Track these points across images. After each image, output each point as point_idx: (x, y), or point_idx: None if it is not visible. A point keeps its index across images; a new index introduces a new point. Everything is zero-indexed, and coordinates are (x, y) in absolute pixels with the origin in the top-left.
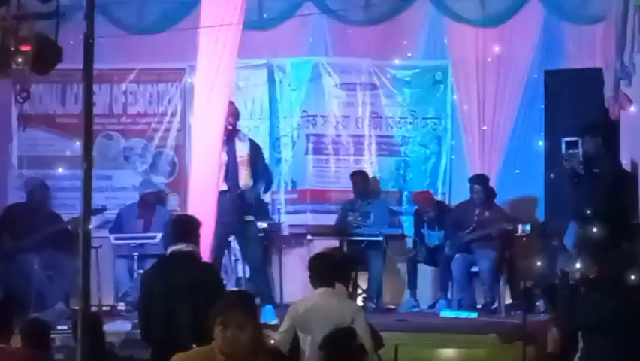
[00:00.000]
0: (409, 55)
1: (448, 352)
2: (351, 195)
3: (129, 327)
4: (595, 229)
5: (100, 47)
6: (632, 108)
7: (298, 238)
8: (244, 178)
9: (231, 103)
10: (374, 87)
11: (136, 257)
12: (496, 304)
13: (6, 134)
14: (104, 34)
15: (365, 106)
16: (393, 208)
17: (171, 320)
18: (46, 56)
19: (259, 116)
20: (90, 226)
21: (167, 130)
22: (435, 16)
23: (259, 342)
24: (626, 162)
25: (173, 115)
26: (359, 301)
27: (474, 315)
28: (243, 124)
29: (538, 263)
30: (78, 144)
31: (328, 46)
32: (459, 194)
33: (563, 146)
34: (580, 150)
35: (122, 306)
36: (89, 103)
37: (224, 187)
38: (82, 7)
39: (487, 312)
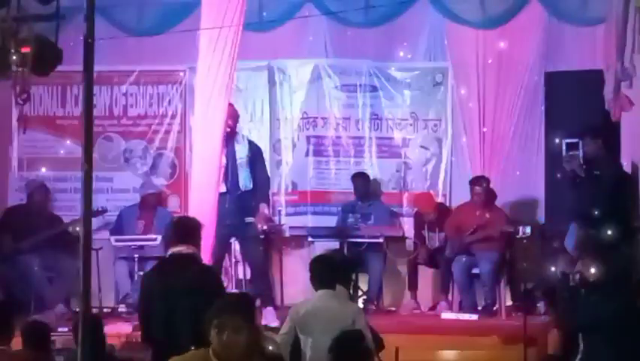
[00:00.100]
0: (409, 56)
1: (449, 354)
2: (352, 197)
3: (130, 329)
4: (595, 231)
5: (100, 48)
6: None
7: (299, 240)
8: (244, 180)
9: (230, 105)
10: (374, 89)
11: (136, 259)
12: (496, 306)
13: (6, 136)
14: (104, 36)
15: (365, 108)
16: (394, 210)
17: (171, 322)
18: (46, 58)
19: (259, 118)
20: (91, 228)
21: (167, 132)
22: (435, 18)
23: (256, 346)
24: (626, 164)
25: (173, 117)
26: (359, 303)
27: (475, 317)
28: (243, 126)
29: (539, 265)
30: (78, 145)
31: (328, 47)
32: (459, 196)
33: (564, 148)
34: (580, 152)
35: (122, 308)
36: (89, 105)
37: (224, 189)
38: (82, 8)
39: (487, 314)
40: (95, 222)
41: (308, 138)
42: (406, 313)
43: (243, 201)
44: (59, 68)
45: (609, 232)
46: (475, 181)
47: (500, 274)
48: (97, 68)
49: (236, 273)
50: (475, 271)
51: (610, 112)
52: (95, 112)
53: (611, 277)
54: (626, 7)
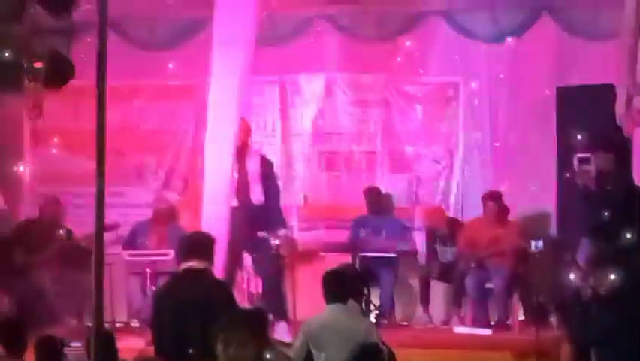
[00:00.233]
0: (421, 71)
1: None
2: (364, 212)
3: (142, 344)
4: (607, 246)
5: (113, 63)
6: None
7: (311, 254)
8: (256, 195)
9: (243, 120)
10: (386, 103)
11: (149, 274)
12: (509, 321)
13: (18, 151)
14: (116, 51)
15: (377, 122)
16: (406, 224)
17: (184, 337)
18: (59, 73)
19: (271, 133)
20: (103, 243)
21: (180, 147)
22: (447, 33)
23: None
24: (638, 179)
25: (185, 132)
26: (372, 318)
27: (487, 331)
28: (255, 141)
29: (552, 279)
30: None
31: (340, 62)
32: (471, 210)
33: (575, 162)
34: (592, 167)
35: (135, 323)
36: (101, 119)
37: (236, 204)
38: (94, 23)
39: (500, 328)
40: (108, 237)
41: (320, 152)
42: (419, 327)
43: (255, 216)
44: (72, 82)
45: (621, 246)
46: (487, 196)
47: (513, 288)
48: (110, 82)
49: (249, 287)
50: (488, 285)
51: (622, 126)
52: (108, 127)
53: (624, 291)
54: (638, 22)
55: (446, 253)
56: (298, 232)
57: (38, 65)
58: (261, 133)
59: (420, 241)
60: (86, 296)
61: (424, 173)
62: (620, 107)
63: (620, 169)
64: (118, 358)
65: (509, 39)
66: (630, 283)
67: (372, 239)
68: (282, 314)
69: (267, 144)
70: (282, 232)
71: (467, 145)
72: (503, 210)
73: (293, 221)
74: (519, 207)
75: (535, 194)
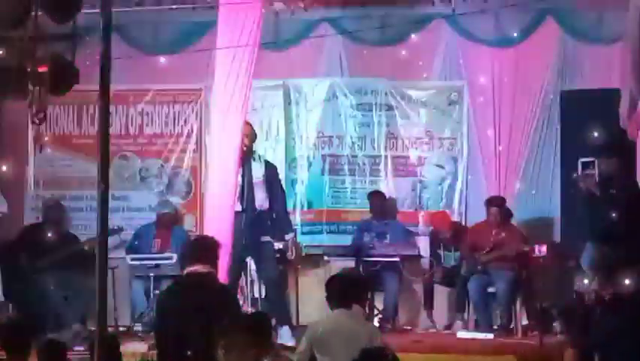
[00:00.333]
0: (425, 75)
1: None
2: (368, 216)
3: (145, 348)
4: (611, 250)
5: (116, 67)
6: None
7: (314, 259)
8: (260, 200)
9: (248, 124)
10: (390, 108)
11: (152, 278)
12: (512, 325)
13: (22, 155)
14: (120, 55)
15: (381, 126)
16: (410, 229)
17: (187, 342)
18: (62, 78)
19: (275, 137)
20: (107, 247)
21: (183, 151)
22: (451, 37)
23: None
24: None
25: (189, 136)
26: (375, 322)
27: (490, 336)
28: (258, 145)
29: (555, 284)
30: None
31: (344, 66)
32: (475, 214)
33: (580, 166)
34: (596, 171)
35: (138, 327)
36: (105, 124)
37: (240, 208)
38: (98, 28)
39: (503, 333)
40: (111, 241)
41: (324, 156)
42: (422, 332)
43: (259, 221)
44: (75, 87)
45: (625, 251)
46: (490, 201)
47: (516, 293)
48: (113, 87)
49: (252, 292)
50: (491, 290)
51: (626, 130)
52: (111, 131)
53: (627, 296)
54: None
55: (449, 258)
56: (301, 236)
57: (42, 69)
58: (264, 137)
59: (423, 245)
60: (89, 300)
61: (428, 177)
62: (623, 111)
63: (623, 173)
64: None
65: (513, 43)
66: (634, 287)
67: (376, 243)
68: (285, 319)
69: (271, 148)
70: (289, 235)
71: (471, 149)
72: (507, 215)
73: (296, 225)
74: (522, 212)
75: (538, 198)
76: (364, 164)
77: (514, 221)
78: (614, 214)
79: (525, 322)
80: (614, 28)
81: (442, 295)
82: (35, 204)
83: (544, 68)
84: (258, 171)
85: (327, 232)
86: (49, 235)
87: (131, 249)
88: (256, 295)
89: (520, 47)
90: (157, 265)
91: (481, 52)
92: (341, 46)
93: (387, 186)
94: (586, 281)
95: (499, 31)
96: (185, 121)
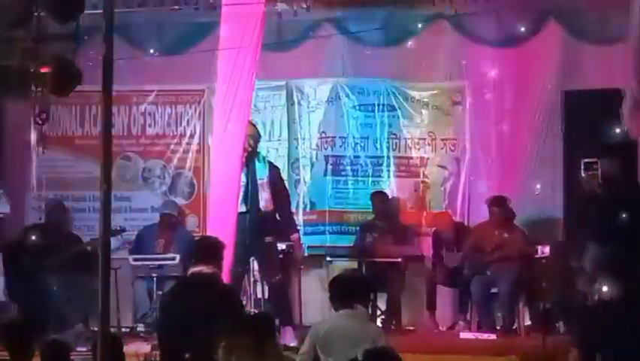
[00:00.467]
0: (428, 76)
1: None
2: (370, 217)
3: (148, 348)
4: (614, 251)
5: (119, 68)
6: None
7: (317, 259)
8: (264, 200)
9: (252, 124)
10: (392, 108)
11: (155, 278)
12: (515, 326)
13: (25, 156)
14: (122, 56)
15: (383, 127)
16: (412, 229)
17: (190, 342)
18: (65, 78)
19: (277, 138)
20: (109, 247)
21: (185, 151)
22: (453, 38)
23: None
24: None
25: (191, 136)
26: (378, 323)
27: (493, 336)
28: (261, 145)
29: (558, 284)
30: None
31: (346, 67)
32: (478, 215)
33: (582, 167)
34: (599, 171)
35: (141, 327)
36: (107, 124)
37: (244, 209)
38: (101, 28)
39: (506, 333)
40: (114, 241)
41: (326, 157)
42: (425, 332)
43: (262, 222)
44: (78, 87)
45: (628, 252)
46: (493, 201)
47: (519, 293)
48: (115, 87)
49: (255, 293)
50: (494, 290)
51: (629, 131)
52: (114, 132)
53: (630, 296)
54: None
55: (452, 258)
56: (304, 236)
57: (45, 70)
58: (267, 138)
59: (426, 246)
60: (92, 301)
61: (431, 178)
62: (626, 111)
63: (626, 174)
64: None
65: (515, 43)
66: (636, 288)
67: (379, 244)
68: (288, 319)
69: (273, 149)
70: (294, 236)
71: (473, 150)
72: (509, 215)
73: (299, 226)
74: (525, 212)
75: (541, 199)
76: (367, 165)
77: (516, 222)
78: (616, 215)
79: (528, 322)
80: (616, 28)
81: (444, 295)
82: (38, 204)
83: (546, 69)
84: (261, 172)
85: (330, 233)
86: (52, 235)
87: (135, 249)
88: (259, 295)
89: (523, 48)
90: (160, 266)
91: (483, 52)
92: (343, 46)
93: (390, 186)
94: (589, 281)
95: (502, 31)
96: (187, 122)
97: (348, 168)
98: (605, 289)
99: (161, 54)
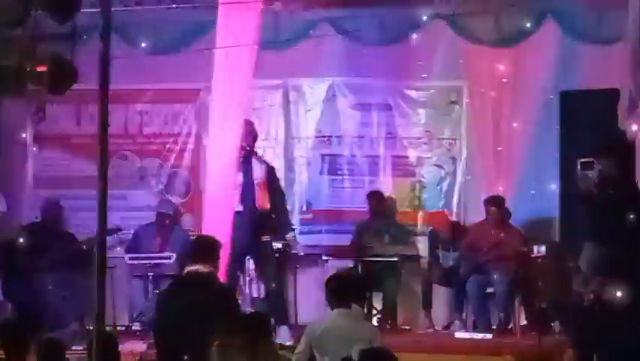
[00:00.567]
0: (424, 75)
1: None
2: (367, 216)
3: (144, 347)
4: (610, 251)
5: (115, 67)
6: None
7: (313, 259)
8: (260, 199)
9: (250, 123)
10: (389, 108)
11: (151, 277)
12: (511, 325)
13: (22, 155)
14: (119, 55)
15: (380, 126)
16: (409, 229)
17: (187, 341)
18: (62, 77)
19: (274, 137)
20: (105, 246)
21: (182, 150)
22: (450, 37)
23: None
24: None
25: (188, 135)
26: (374, 322)
27: (489, 336)
28: (257, 144)
29: (554, 284)
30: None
31: (343, 66)
32: (474, 215)
33: (579, 167)
34: (595, 171)
35: (136, 326)
36: (104, 123)
37: (240, 208)
38: (98, 27)
39: (502, 333)
40: (110, 240)
41: (323, 156)
42: (420, 332)
43: (259, 220)
44: (75, 86)
45: (624, 252)
46: (489, 201)
47: (515, 293)
48: (112, 86)
49: (251, 292)
50: (490, 290)
51: (625, 131)
52: (110, 130)
53: (626, 296)
54: None
55: (448, 258)
56: (300, 235)
57: (41, 69)
58: (263, 137)
59: (422, 245)
60: (88, 300)
61: (427, 177)
62: (622, 112)
63: (623, 174)
64: None
65: (513, 43)
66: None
67: (375, 244)
68: (284, 318)
69: (270, 148)
70: (290, 235)
71: (470, 150)
72: (505, 215)
73: (295, 225)
74: (521, 212)
75: (537, 198)
76: (363, 164)
77: (513, 221)
78: (613, 215)
79: (524, 322)
80: (613, 28)
81: (440, 295)
82: (34, 203)
83: (543, 69)
84: (258, 171)
85: (326, 232)
86: (47, 234)
87: (131, 248)
88: (255, 294)
89: (520, 47)
90: (156, 265)
91: (480, 52)
92: (340, 46)
93: (386, 186)
94: (584, 282)
95: (499, 31)
96: (184, 121)
97: (345, 167)
98: (600, 289)
99: (158, 53)
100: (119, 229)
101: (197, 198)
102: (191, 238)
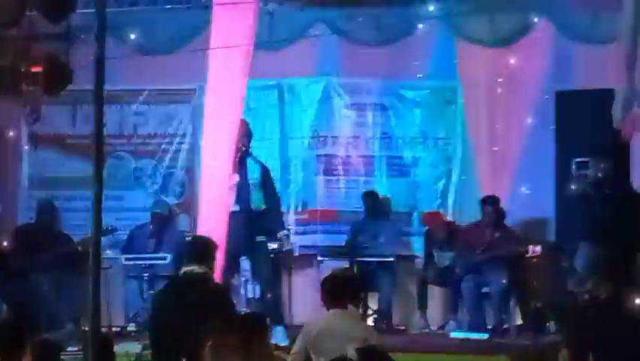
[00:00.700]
0: (420, 75)
1: None
2: (362, 216)
3: (139, 348)
4: (605, 251)
5: (110, 67)
6: None
7: (308, 259)
8: (256, 199)
9: (245, 123)
10: (384, 108)
11: (146, 278)
12: (506, 325)
13: (16, 155)
14: (114, 55)
15: (375, 126)
16: (404, 229)
17: (182, 342)
18: (56, 77)
19: (269, 137)
20: (100, 247)
21: (177, 151)
22: (445, 37)
23: None
24: (636, 184)
25: (183, 136)
26: (369, 322)
27: (484, 336)
28: (252, 145)
29: (549, 284)
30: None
31: (339, 66)
32: (469, 215)
33: (574, 167)
34: (590, 171)
35: (132, 327)
36: (99, 124)
37: (236, 208)
38: (92, 28)
39: (497, 333)
40: (105, 241)
41: (318, 156)
42: (416, 332)
43: (254, 221)
44: (69, 86)
45: (619, 251)
46: (486, 201)
47: (510, 293)
48: (107, 87)
49: (246, 292)
50: (485, 290)
51: (620, 131)
52: (106, 131)
53: (621, 296)
54: (636, 27)
55: (443, 258)
56: (295, 236)
57: (36, 69)
58: (258, 137)
59: (418, 245)
60: (82, 300)
61: (422, 177)
62: (617, 113)
63: (618, 174)
64: None
65: (508, 43)
66: (628, 287)
67: (370, 244)
68: (279, 318)
69: (265, 148)
70: (281, 233)
71: (465, 150)
72: (501, 215)
73: (290, 225)
74: (517, 212)
75: (533, 198)
76: (358, 164)
77: (508, 221)
78: (608, 215)
79: (519, 322)
80: (608, 28)
81: (436, 295)
82: (29, 204)
83: (538, 69)
84: (254, 172)
85: (322, 232)
86: (42, 235)
87: (126, 249)
88: (250, 295)
89: (515, 48)
90: (151, 266)
91: (475, 52)
92: (335, 45)
93: (382, 186)
94: (580, 282)
95: (494, 31)
96: (179, 121)
97: (340, 167)
98: (596, 288)
99: (153, 53)
100: (115, 230)
101: (192, 199)
102: (187, 238)
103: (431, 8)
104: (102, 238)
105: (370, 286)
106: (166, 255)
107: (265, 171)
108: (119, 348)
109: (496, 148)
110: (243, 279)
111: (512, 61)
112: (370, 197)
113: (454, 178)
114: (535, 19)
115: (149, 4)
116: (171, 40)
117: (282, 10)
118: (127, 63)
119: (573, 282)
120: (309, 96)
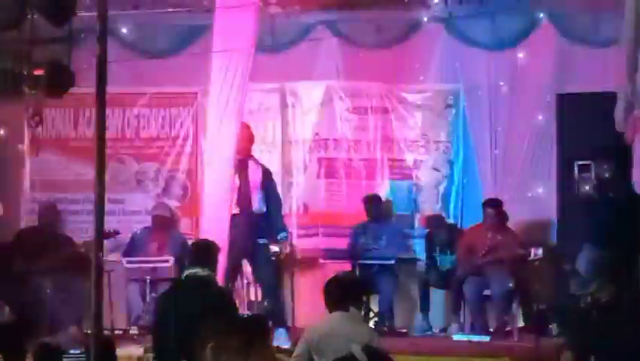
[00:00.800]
0: (421, 78)
1: None
2: (364, 219)
3: (141, 351)
4: (607, 253)
5: (112, 70)
6: None
7: (310, 262)
8: (257, 202)
9: (247, 127)
10: (386, 111)
11: (148, 281)
12: (508, 328)
13: (19, 158)
14: (116, 58)
15: (377, 130)
16: (405, 232)
17: (185, 344)
18: (58, 80)
19: (271, 141)
20: (102, 250)
21: (179, 154)
22: (447, 40)
23: None
24: (638, 186)
25: (185, 139)
26: (371, 324)
27: (486, 338)
28: (254, 148)
29: (551, 287)
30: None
31: (340, 69)
32: (471, 218)
33: (576, 169)
34: (593, 174)
35: (134, 330)
36: (101, 127)
37: (237, 211)
38: (94, 31)
39: (499, 335)
40: (107, 244)
41: (319, 159)
42: (418, 334)
43: (256, 224)
44: (72, 90)
45: (621, 254)
46: (486, 204)
47: (512, 295)
48: (109, 90)
49: (248, 294)
50: (487, 292)
51: (622, 134)
52: (108, 134)
53: (624, 298)
54: (638, 29)
55: (445, 260)
56: (297, 239)
57: (38, 72)
58: (260, 140)
59: (419, 248)
60: (85, 303)
61: (424, 180)
62: (618, 115)
63: (619, 176)
64: None
65: (509, 46)
66: (629, 290)
67: (372, 246)
68: (281, 321)
69: (267, 152)
70: (281, 235)
71: (467, 152)
72: (503, 218)
73: (292, 228)
74: (519, 215)
75: (535, 201)
76: (360, 167)
77: (510, 224)
78: (610, 217)
79: (521, 324)
80: (609, 31)
81: (437, 297)
82: (31, 207)
83: (540, 71)
84: (255, 175)
85: (323, 235)
86: (44, 237)
87: (128, 252)
88: (252, 297)
89: (517, 50)
90: (153, 268)
91: (477, 55)
92: (337, 49)
93: (383, 189)
94: (582, 284)
95: (495, 34)
96: (181, 124)
97: (342, 170)
98: (598, 291)
99: (155, 56)
100: (117, 233)
101: (194, 202)
102: (189, 241)
103: (432, 11)
104: (104, 241)
105: (372, 289)
106: (168, 258)
107: (267, 174)
108: (121, 351)
109: (497, 151)
110: (245, 281)
111: (514, 64)
112: (372, 200)
113: (456, 181)
114: (537, 23)
115: (151, 7)
116: (173, 43)
117: (283, 13)
118: (129, 66)
119: (575, 284)
120: (311, 99)
